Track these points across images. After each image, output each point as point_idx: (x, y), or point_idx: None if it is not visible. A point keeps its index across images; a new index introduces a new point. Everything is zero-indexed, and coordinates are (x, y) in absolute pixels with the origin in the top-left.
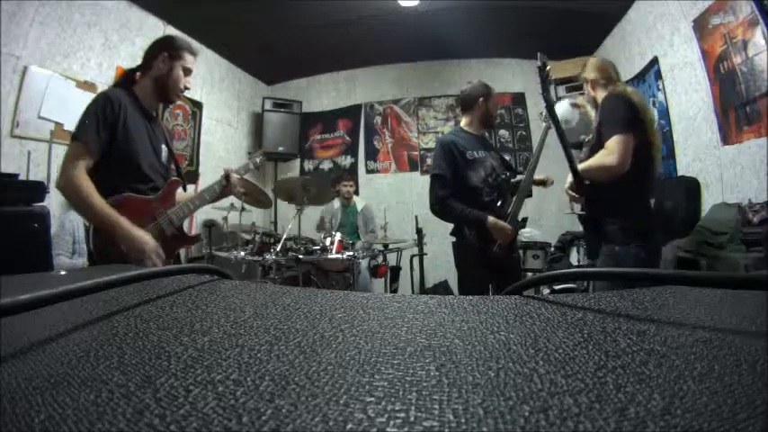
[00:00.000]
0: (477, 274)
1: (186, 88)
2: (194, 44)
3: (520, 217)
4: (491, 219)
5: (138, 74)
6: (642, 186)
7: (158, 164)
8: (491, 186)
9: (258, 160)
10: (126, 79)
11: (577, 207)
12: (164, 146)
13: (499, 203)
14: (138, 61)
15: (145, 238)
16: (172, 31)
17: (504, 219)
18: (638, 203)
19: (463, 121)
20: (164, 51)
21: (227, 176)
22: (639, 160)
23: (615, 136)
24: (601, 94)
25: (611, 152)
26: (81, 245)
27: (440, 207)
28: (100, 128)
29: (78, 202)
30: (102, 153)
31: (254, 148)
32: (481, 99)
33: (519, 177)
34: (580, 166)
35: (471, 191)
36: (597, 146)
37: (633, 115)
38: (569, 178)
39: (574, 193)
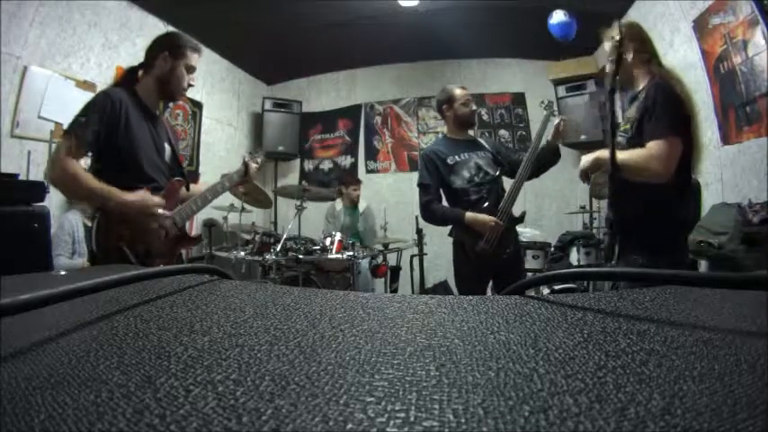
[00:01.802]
0: (468, 274)
1: (190, 86)
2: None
3: (518, 212)
4: (469, 215)
5: (140, 72)
6: (681, 191)
7: (161, 163)
8: (478, 185)
9: (260, 160)
10: (128, 77)
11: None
12: (167, 145)
13: (486, 203)
14: (138, 61)
15: (140, 196)
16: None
17: (493, 215)
18: (675, 210)
19: (445, 129)
20: (165, 50)
21: (245, 164)
22: (682, 163)
23: (664, 139)
24: (641, 73)
25: (658, 158)
26: (81, 245)
27: (423, 212)
28: (95, 124)
29: (75, 188)
30: (100, 152)
31: (255, 148)
32: (445, 106)
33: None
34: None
35: (458, 192)
36: (637, 139)
37: (684, 113)
38: (583, 160)
39: (586, 177)
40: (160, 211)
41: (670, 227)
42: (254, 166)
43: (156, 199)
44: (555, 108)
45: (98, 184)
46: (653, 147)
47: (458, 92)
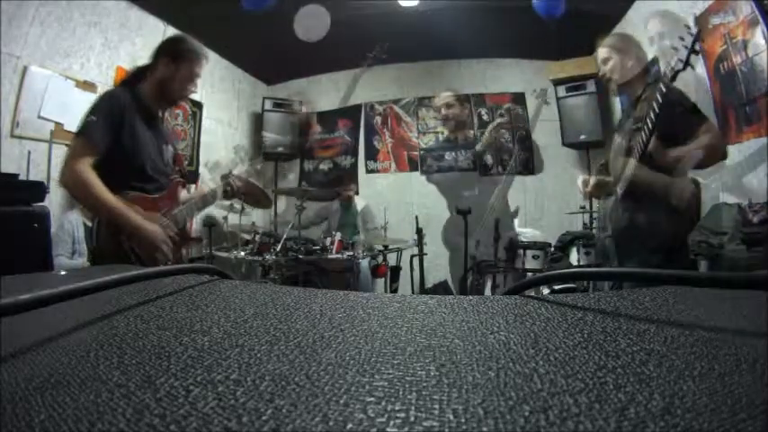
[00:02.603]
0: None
1: (191, 91)
2: (204, 48)
3: (513, 207)
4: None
5: (146, 73)
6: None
7: (162, 164)
8: None
9: (259, 167)
10: (134, 77)
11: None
12: (169, 146)
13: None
14: (138, 62)
15: (154, 228)
16: (172, 31)
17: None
18: (684, 212)
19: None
20: (168, 54)
21: (228, 182)
22: None
23: (710, 122)
24: (641, 79)
25: (718, 135)
26: (81, 245)
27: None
28: (105, 126)
29: (86, 197)
30: (106, 152)
31: (255, 149)
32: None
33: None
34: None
35: None
36: (670, 133)
37: None
38: (582, 178)
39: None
40: (165, 248)
41: (674, 226)
42: (236, 182)
43: (166, 236)
44: (547, 96)
45: (112, 199)
46: (711, 126)
47: (439, 96)
